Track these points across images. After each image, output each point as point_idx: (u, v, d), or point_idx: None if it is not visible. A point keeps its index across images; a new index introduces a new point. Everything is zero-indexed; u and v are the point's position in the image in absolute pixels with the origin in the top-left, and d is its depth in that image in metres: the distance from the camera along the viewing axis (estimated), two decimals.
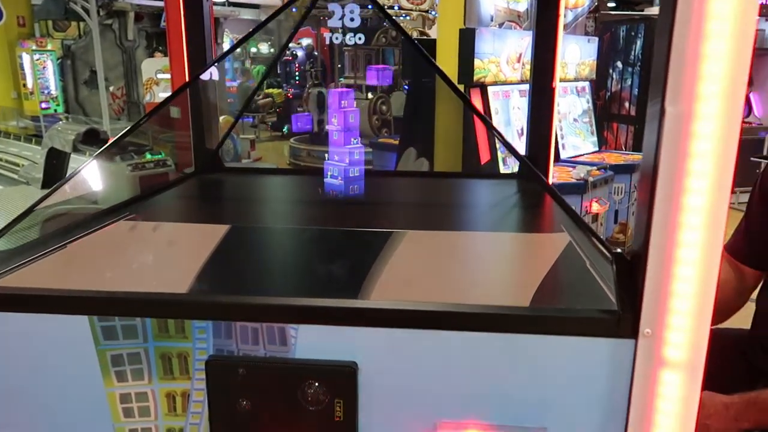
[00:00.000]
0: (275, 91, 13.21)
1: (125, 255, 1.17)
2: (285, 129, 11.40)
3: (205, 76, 1.72)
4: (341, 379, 0.84)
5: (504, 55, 4.09)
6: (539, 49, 1.72)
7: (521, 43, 4.18)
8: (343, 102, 1.47)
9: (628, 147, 6.23)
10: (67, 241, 1.14)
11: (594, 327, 0.81)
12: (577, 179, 3.98)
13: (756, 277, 1.56)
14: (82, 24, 10.23)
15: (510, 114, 4.21)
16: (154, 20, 10.39)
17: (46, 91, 9.73)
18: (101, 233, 1.22)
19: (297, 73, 13.81)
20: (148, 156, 4.90)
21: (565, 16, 4.05)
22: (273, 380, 0.87)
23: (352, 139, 1.49)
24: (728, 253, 1.59)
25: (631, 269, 0.83)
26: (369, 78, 1.46)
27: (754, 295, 1.58)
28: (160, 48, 10.27)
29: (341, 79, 10.95)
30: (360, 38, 1.62)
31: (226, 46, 10.98)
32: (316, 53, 14.22)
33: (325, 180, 1.54)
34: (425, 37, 8.91)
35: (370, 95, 9.11)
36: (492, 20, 4.57)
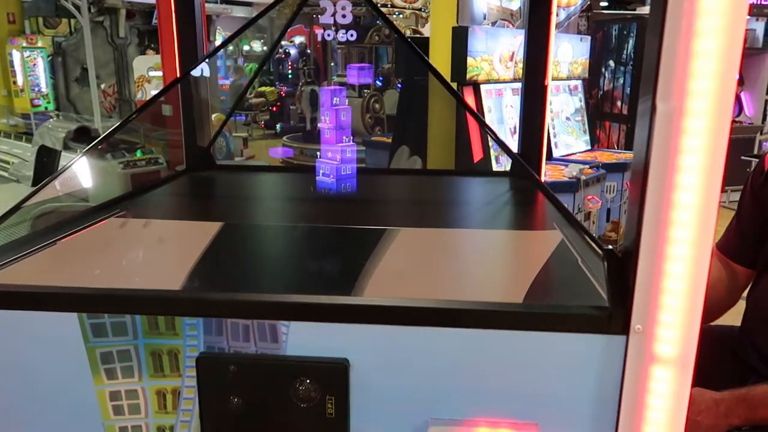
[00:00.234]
0: (268, 89, 13.17)
1: (115, 252, 1.16)
2: (278, 127, 11.37)
3: (195, 73, 1.71)
4: (333, 376, 0.84)
5: (497, 53, 4.10)
6: (531, 47, 1.72)
7: (514, 41, 4.19)
8: (335, 100, 1.47)
9: (621, 145, 6.26)
10: (57, 238, 1.13)
11: (585, 323, 0.81)
12: (570, 178, 4.00)
13: (747, 275, 1.57)
14: (72, 21, 10.17)
15: (503, 112, 4.22)
16: (146, 17, 10.34)
17: (36, 89, 9.67)
18: (91, 230, 1.21)
19: (290, 71, 13.77)
20: (140, 154, 4.87)
21: (557, 14, 4.06)
22: (264, 377, 0.86)
23: (344, 137, 1.49)
24: (720, 252, 1.60)
25: (622, 266, 0.83)
26: (349, 77, 1.47)
27: (745, 293, 1.59)
28: (152, 45, 10.23)
29: (334, 77, 10.93)
30: (352, 35, 1.61)
31: (218, 44, 10.92)
32: (309, 51, 14.19)
33: (317, 178, 1.53)
34: (418, 35, 8.90)
35: (365, 92, 9.09)
36: (485, 19, 4.57)
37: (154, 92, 7.86)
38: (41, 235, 1.14)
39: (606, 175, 4.37)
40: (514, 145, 1.78)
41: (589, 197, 4.02)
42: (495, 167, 3.92)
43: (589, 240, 1.06)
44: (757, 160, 1.58)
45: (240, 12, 12.76)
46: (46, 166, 5.03)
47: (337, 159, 1.49)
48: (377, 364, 0.84)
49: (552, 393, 0.83)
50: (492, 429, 0.84)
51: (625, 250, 0.82)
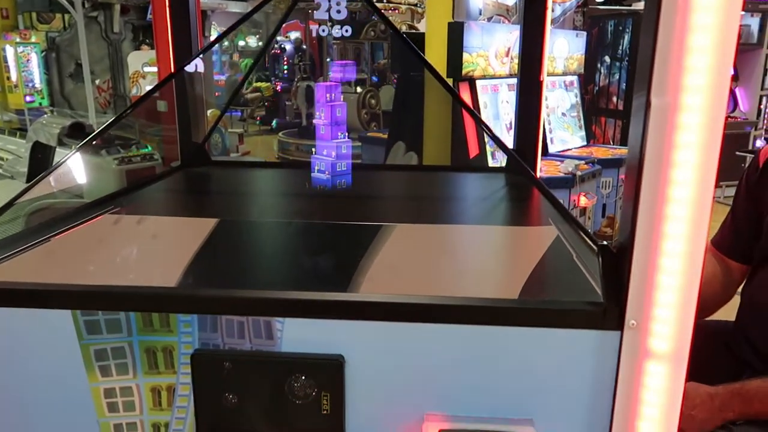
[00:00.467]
0: (263, 84, 13.14)
1: (109, 249, 1.15)
2: (274, 123, 11.35)
3: (190, 68, 1.70)
4: (328, 372, 0.84)
5: (492, 48, 4.09)
6: (527, 43, 1.72)
7: (510, 37, 4.18)
8: (330, 95, 1.46)
9: (616, 141, 6.26)
10: (50, 235, 1.12)
11: (580, 319, 0.81)
12: (565, 173, 4.00)
13: (742, 271, 1.57)
14: (66, 16, 10.12)
15: (498, 108, 4.22)
16: (141, 13, 10.30)
17: (30, 84, 9.63)
18: (85, 227, 1.20)
19: (285, 67, 13.74)
20: (135, 150, 4.86)
21: (553, 10, 4.06)
22: (259, 374, 0.86)
23: (339, 133, 1.49)
24: (715, 248, 1.60)
25: (616, 261, 0.84)
26: (333, 74, 1.46)
27: (740, 288, 1.59)
28: (147, 41, 10.18)
29: (330, 72, 10.90)
30: (347, 30, 1.61)
31: (213, 39, 10.88)
32: (304, 47, 14.15)
33: (312, 174, 1.53)
34: (414, 31, 8.89)
35: (359, 89, 9.08)
36: (480, 14, 4.57)
37: (149, 88, 7.83)
38: (35, 232, 1.14)
39: (602, 171, 4.37)
40: (510, 141, 1.78)
41: (582, 194, 4.02)
42: (491, 163, 3.92)
43: (584, 235, 1.06)
44: (752, 155, 1.58)
45: (235, 7, 12.71)
46: (41, 162, 5.01)
47: (332, 155, 1.49)
48: (372, 360, 0.84)
49: (547, 388, 0.83)
50: (487, 424, 0.84)
51: (619, 246, 0.82)
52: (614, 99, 6.41)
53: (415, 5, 9.86)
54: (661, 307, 0.76)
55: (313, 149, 1.52)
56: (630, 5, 6.94)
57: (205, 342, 0.86)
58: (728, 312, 1.62)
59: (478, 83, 4.06)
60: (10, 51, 9.57)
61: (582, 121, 5.22)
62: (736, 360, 1.51)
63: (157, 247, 1.19)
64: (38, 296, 0.87)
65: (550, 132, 4.77)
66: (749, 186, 1.52)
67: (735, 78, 7.00)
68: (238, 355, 0.86)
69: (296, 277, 1.06)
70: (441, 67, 3.82)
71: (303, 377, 0.84)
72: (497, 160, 3.96)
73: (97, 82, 9.60)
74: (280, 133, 9.67)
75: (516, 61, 2.93)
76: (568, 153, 4.75)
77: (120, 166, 4.66)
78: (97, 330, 0.86)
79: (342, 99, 1.50)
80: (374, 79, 10.01)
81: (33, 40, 9.80)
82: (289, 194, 1.72)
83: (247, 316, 0.85)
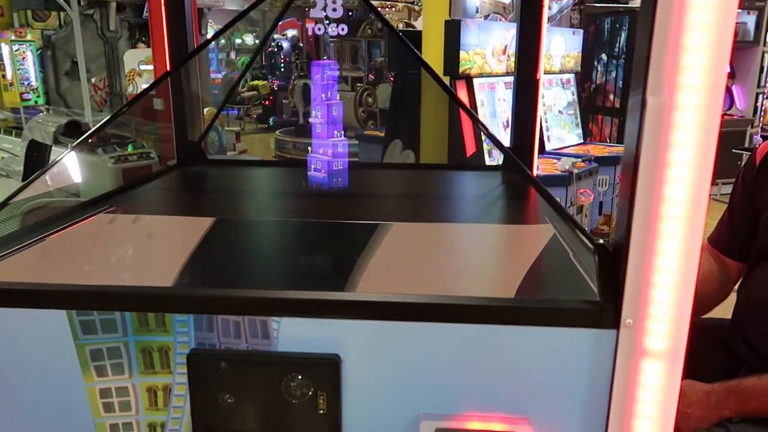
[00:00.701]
0: (260, 83, 13.11)
1: (105, 248, 1.15)
2: (271, 121, 11.33)
3: (187, 67, 1.69)
4: (324, 371, 0.84)
5: (489, 46, 4.09)
6: (523, 40, 1.72)
7: (506, 35, 4.18)
8: (326, 94, 1.46)
9: (613, 139, 6.27)
10: (45, 234, 1.12)
11: (576, 318, 0.81)
12: (562, 171, 4.00)
13: (738, 269, 1.57)
14: (62, 14, 10.07)
15: (495, 106, 4.22)
16: (137, 11, 10.26)
17: (26, 83, 9.59)
18: (81, 226, 1.20)
19: (282, 65, 13.72)
20: (131, 148, 4.84)
21: (549, 8, 4.05)
22: (255, 374, 0.86)
23: (336, 132, 1.48)
24: (711, 246, 1.61)
25: (613, 260, 0.84)
26: (313, 73, 1.46)
27: (737, 286, 1.60)
28: (143, 39, 10.15)
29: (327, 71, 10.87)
30: (343, 29, 1.61)
31: (209, 37, 10.85)
32: (301, 45, 14.13)
33: (308, 173, 1.53)
34: (411, 29, 8.88)
35: (358, 86, 9.07)
36: (477, 12, 4.57)
37: (145, 86, 7.81)
38: (30, 231, 1.13)
39: (598, 169, 4.38)
40: (506, 139, 1.78)
41: (581, 191, 4.03)
42: (488, 161, 3.93)
43: (580, 234, 1.06)
44: (749, 153, 1.58)
45: (232, 5, 12.67)
46: (36, 160, 4.99)
47: (328, 154, 1.48)
48: (369, 359, 0.84)
49: (543, 387, 0.83)
50: (483, 423, 0.84)
51: (615, 245, 0.82)
52: (611, 97, 6.42)
53: (412, 3, 9.85)
54: (657, 306, 0.76)
55: (310, 148, 1.52)
56: (627, 3, 6.95)
57: (201, 342, 0.86)
58: (725, 310, 1.62)
59: (475, 81, 4.06)
60: (5, 49, 9.53)
61: (579, 119, 5.23)
62: (732, 358, 1.51)
63: (152, 247, 1.19)
64: (33, 296, 0.87)
65: (547, 130, 4.78)
66: (746, 183, 1.52)
67: (731, 75, 7.01)
68: (234, 354, 0.86)
69: (292, 277, 1.05)
70: (438, 65, 3.82)
71: (299, 377, 0.84)
72: (494, 158, 3.96)
73: (93, 80, 9.56)
74: (277, 132, 9.66)
75: (513, 59, 2.93)
76: (565, 151, 4.76)
77: (116, 164, 4.65)
78: (92, 330, 0.86)
79: (338, 97, 1.50)
80: (371, 76, 9.99)
81: (28, 37, 9.76)
82: (285, 193, 1.72)
83: (243, 316, 0.85)
